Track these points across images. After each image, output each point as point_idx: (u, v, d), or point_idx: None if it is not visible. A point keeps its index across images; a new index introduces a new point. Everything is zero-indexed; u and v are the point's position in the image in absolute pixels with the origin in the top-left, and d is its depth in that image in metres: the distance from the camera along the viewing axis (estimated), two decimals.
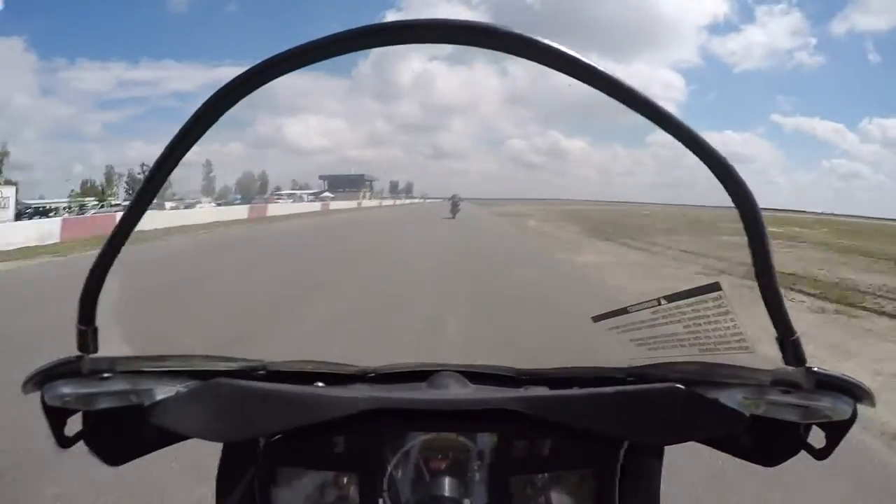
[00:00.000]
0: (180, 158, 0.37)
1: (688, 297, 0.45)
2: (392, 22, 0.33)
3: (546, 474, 0.44)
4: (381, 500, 0.42)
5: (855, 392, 0.40)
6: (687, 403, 0.43)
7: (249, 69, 0.35)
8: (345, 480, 0.43)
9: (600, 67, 0.33)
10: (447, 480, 0.43)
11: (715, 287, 0.43)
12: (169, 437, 0.46)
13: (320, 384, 0.52)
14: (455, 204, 25.61)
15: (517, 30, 0.32)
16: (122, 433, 0.46)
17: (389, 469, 0.43)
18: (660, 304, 0.48)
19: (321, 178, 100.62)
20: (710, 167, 0.35)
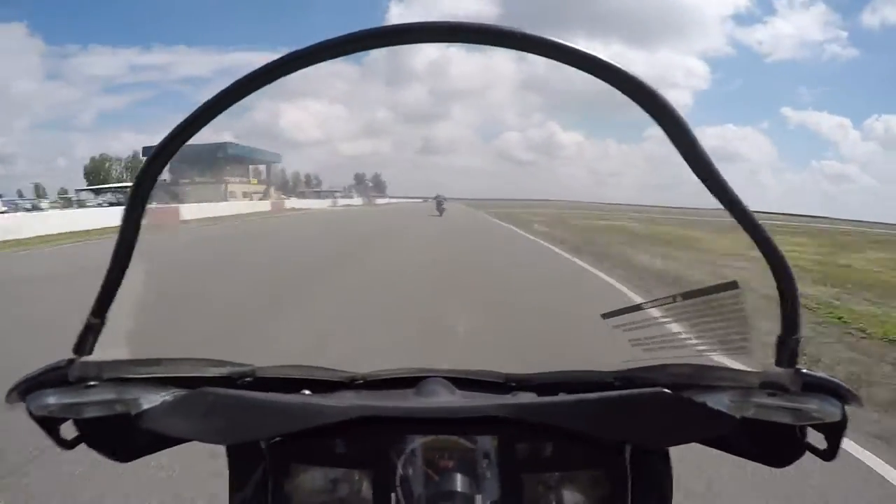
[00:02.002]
0: (178, 148, 0.41)
1: (705, 295, 0.49)
2: (394, 25, 0.39)
3: (557, 473, 0.49)
4: (393, 496, 0.47)
5: (840, 393, 0.43)
6: (673, 408, 0.47)
7: (260, 67, 0.40)
8: (357, 476, 0.48)
9: (607, 59, 0.38)
10: (458, 477, 0.47)
11: (733, 285, 0.47)
12: (171, 439, 0.50)
13: (307, 392, 0.57)
14: (440, 203, 33.06)
15: (522, 29, 0.38)
16: (120, 436, 0.50)
17: (399, 467, 0.48)
18: (675, 301, 0.51)
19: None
20: (698, 176, 0.40)
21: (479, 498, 0.46)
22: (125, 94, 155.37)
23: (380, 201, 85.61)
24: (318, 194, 71.23)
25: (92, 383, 0.46)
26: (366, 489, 0.47)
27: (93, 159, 69.92)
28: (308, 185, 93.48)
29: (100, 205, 35.49)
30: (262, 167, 58.74)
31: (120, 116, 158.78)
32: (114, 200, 39.08)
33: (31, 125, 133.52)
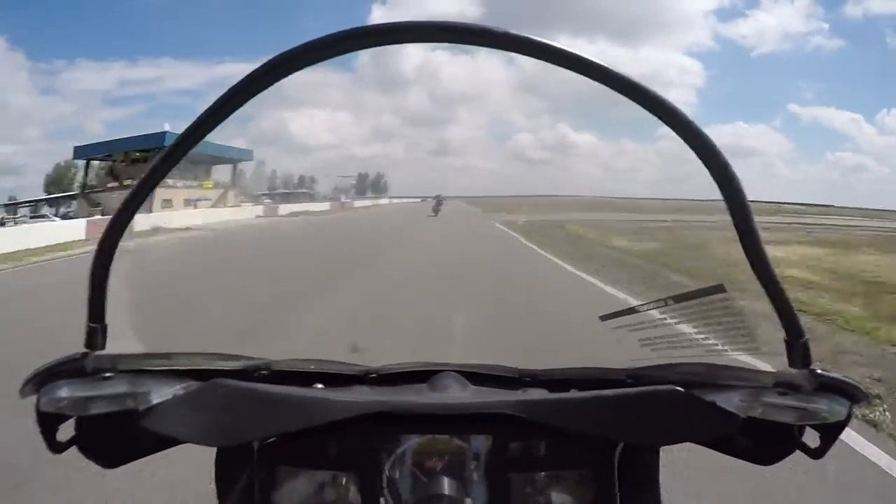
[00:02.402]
0: (181, 158, 0.42)
1: (693, 298, 0.50)
2: (385, 24, 0.40)
3: (544, 473, 0.49)
4: (381, 500, 0.48)
5: (853, 393, 0.45)
6: (683, 406, 0.48)
7: (256, 69, 0.40)
8: (344, 480, 0.48)
9: (598, 60, 0.39)
10: (446, 480, 0.48)
11: (719, 288, 0.48)
12: (163, 442, 0.51)
13: (320, 385, 0.58)
14: (438, 203, 31.77)
15: (508, 29, 0.39)
16: (115, 438, 0.51)
17: (387, 469, 0.49)
18: (667, 305, 0.53)
19: None
20: (708, 168, 0.40)
21: (468, 501, 0.47)
22: (124, 106, 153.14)
23: (360, 203, 65.66)
24: (288, 196, 57.30)
25: (107, 375, 0.47)
26: (353, 492, 0.48)
27: (57, 166, 65.65)
28: (302, 186, 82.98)
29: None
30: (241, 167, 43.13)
31: (123, 127, 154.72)
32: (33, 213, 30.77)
33: (33, 137, 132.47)
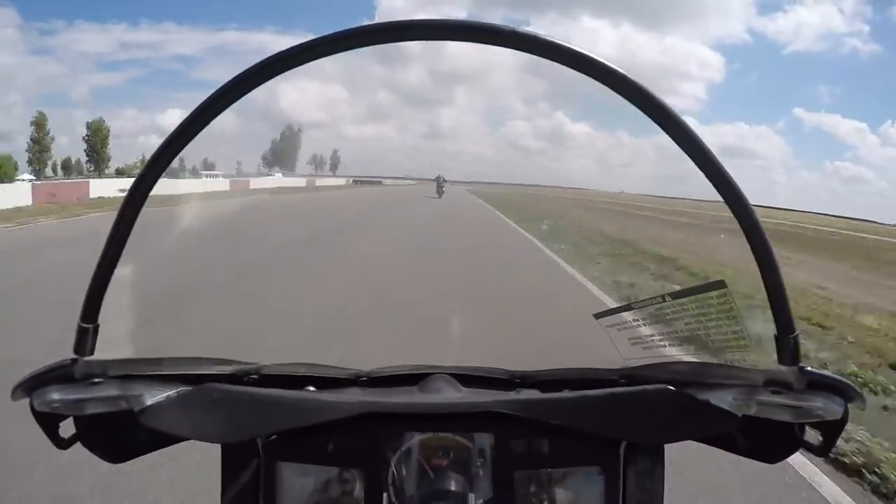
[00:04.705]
0: (181, 148, 0.44)
1: (692, 294, 0.52)
2: (390, 22, 0.42)
3: (549, 470, 0.50)
4: (385, 495, 0.49)
5: (846, 392, 0.45)
6: (677, 405, 0.50)
7: (257, 63, 0.42)
8: (349, 476, 0.50)
9: (602, 59, 0.41)
10: (451, 476, 0.49)
11: (720, 284, 0.49)
12: (168, 438, 0.52)
13: (311, 388, 0.59)
14: (440, 185, 32.85)
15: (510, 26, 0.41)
16: (117, 435, 0.52)
17: (392, 465, 0.50)
18: (664, 301, 0.54)
19: None
20: (702, 170, 0.43)
21: (471, 497, 0.49)
22: (118, 71, 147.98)
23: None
24: None
25: (97, 380, 0.48)
26: (358, 488, 0.49)
27: None
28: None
29: None
30: None
31: (115, 92, 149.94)
32: None
33: (24, 100, 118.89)
